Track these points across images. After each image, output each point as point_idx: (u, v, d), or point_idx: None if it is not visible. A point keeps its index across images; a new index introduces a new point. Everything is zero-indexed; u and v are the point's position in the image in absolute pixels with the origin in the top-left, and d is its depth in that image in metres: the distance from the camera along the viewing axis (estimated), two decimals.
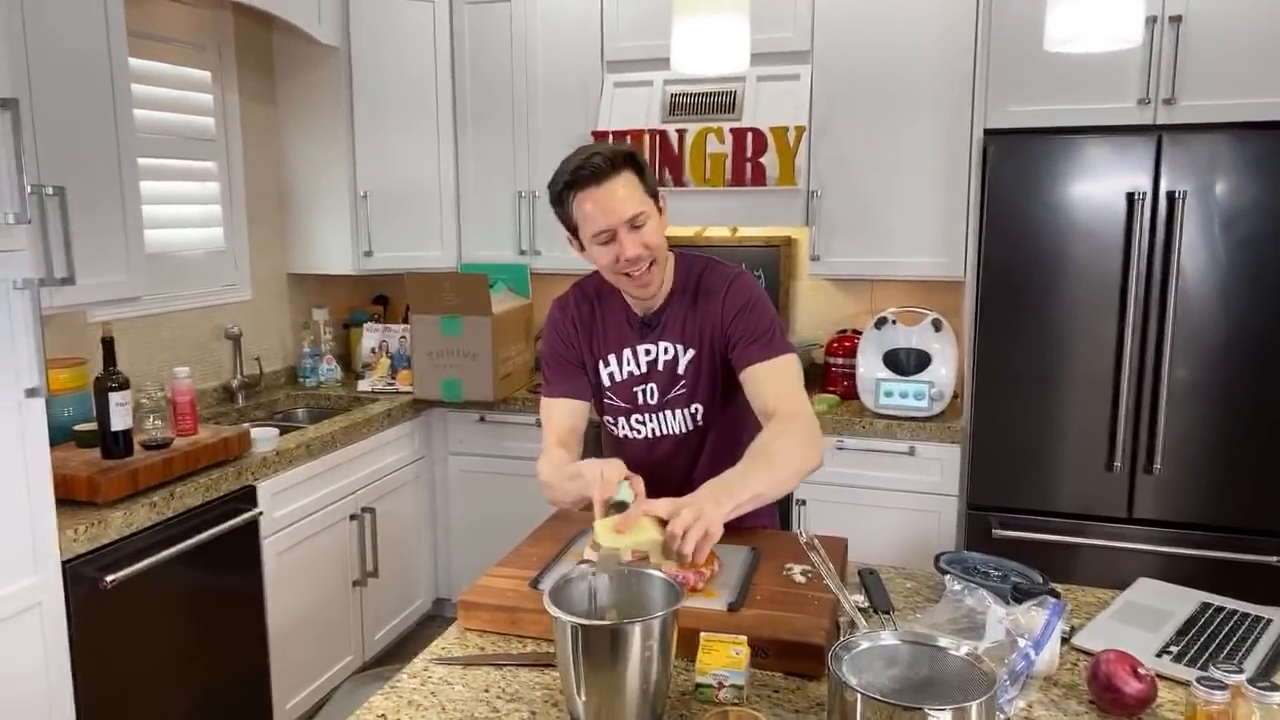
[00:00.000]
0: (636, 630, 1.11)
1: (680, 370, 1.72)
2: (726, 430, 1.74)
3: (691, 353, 1.71)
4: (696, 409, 1.74)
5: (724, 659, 1.23)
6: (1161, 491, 2.62)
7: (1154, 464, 2.60)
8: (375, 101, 3.38)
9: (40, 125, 2.13)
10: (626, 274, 1.61)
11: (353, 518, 2.99)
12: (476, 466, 3.41)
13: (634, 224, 1.57)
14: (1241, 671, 1.15)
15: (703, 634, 1.27)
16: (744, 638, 1.26)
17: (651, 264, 1.61)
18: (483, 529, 3.43)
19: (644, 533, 1.26)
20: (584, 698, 1.13)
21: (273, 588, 2.62)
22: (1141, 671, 1.21)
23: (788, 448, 1.50)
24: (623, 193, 1.56)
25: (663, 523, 1.28)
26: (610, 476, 1.36)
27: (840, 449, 2.94)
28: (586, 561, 1.30)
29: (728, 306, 1.67)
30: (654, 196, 1.62)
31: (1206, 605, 1.53)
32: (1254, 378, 2.51)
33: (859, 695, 1.03)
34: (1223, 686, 1.13)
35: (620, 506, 1.34)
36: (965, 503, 2.81)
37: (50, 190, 2.11)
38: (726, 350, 1.68)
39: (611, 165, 1.55)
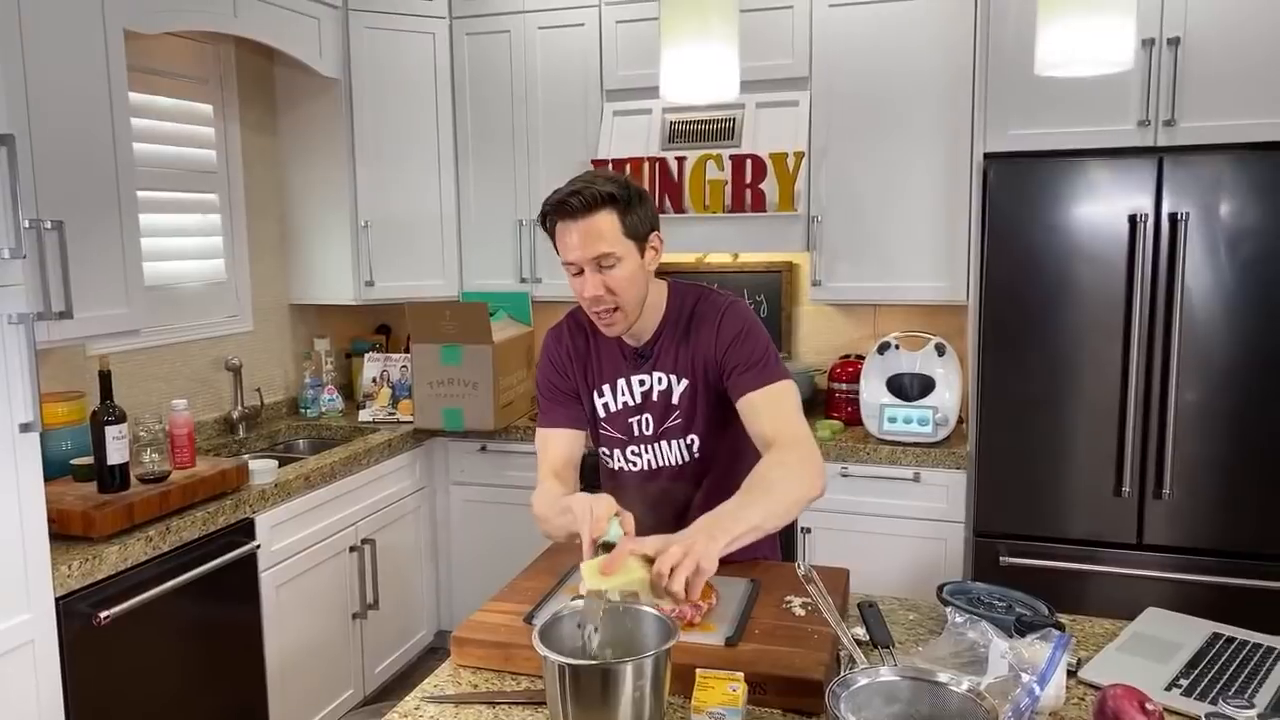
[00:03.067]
0: (628, 670, 1.09)
1: (674, 400, 1.70)
2: (724, 461, 1.72)
3: (685, 383, 1.69)
4: (692, 439, 1.72)
5: (720, 696, 1.20)
6: (1171, 516, 2.57)
7: (1163, 488, 2.56)
8: (376, 132, 3.40)
9: (40, 160, 2.14)
10: (593, 310, 1.61)
11: (353, 549, 2.96)
12: (478, 496, 3.39)
13: (601, 264, 1.56)
14: (1252, 707, 1.12)
15: (699, 670, 1.24)
16: (741, 674, 1.23)
17: (615, 309, 1.60)
18: (485, 560, 3.40)
19: (631, 572, 1.23)
20: None
21: (271, 621, 2.59)
22: (1150, 707, 1.17)
23: (786, 478, 1.47)
24: (596, 231, 1.54)
25: (650, 560, 1.25)
26: (600, 514, 1.33)
27: (844, 476, 2.90)
28: (579, 598, 1.27)
29: (721, 336, 1.65)
30: (639, 238, 1.59)
31: (1217, 636, 1.50)
32: (1262, 399, 2.47)
33: None
34: None
35: (609, 547, 1.31)
36: (972, 530, 2.77)
37: (49, 224, 2.11)
38: (721, 380, 1.66)
39: (587, 206, 1.53)
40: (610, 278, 1.56)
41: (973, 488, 2.77)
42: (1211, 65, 2.51)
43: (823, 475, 1.53)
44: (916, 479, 2.85)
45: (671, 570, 1.21)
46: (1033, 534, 2.68)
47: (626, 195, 1.56)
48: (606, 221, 1.55)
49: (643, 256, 1.61)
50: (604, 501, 1.36)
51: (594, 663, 1.13)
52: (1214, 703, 1.27)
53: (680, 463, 1.74)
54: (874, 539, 2.90)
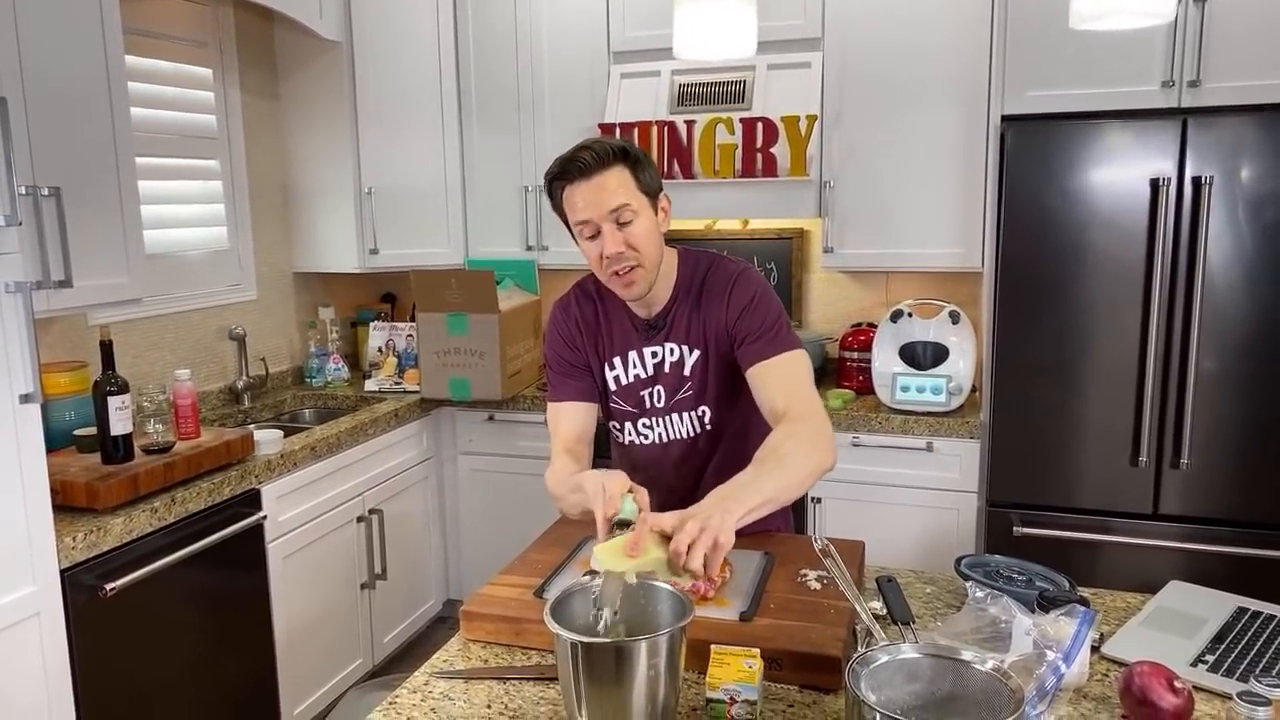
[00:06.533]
0: (642, 648, 1.06)
1: (686, 371, 1.66)
2: (735, 432, 1.68)
3: (697, 353, 1.65)
4: (704, 411, 1.67)
5: (736, 673, 1.17)
6: (1189, 487, 2.54)
7: (1180, 458, 2.52)
8: (379, 96, 3.33)
9: (35, 125, 2.09)
10: (613, 271, 1.55)
11: (360, 520, 2.94)
12: (486, 466, 3.37)
13: (619, 219, 1.51)
14: None
15: (714, 646, 1.21)
16: (756, 650, 1.21)
17: (635, 266, 1.54)
18: (494, 529, 3.38)
19: (647, 552, 1.19)
20: (585, 718, 1.07)
21: (279, 592, 2.58)
22: (1178, 684, 1.14)
23: (798, 450, 1.43)
24: (610, 185, 1.50)
25: (666, 538, 1.21)
26: (613, 491, 1.29)
27: (856, 445, 2.87)
28: (590, 573, 1.24)
29: (732, 304, 1.60)
30: (651, 195, 1.56)
31: (1243, 610, 1.46)
32: None
33: (878, 714, 0.97)
34: (1266, 702, 1.07)
35: (625, 524, 1.27)
36: (985, 500, 2.74)
37: (46, 191, 2.07)
38: (732, 349, 1.62)
39: (600, 160, 1.49)
40: (629, 234, 1.52)
41: (986, 457, 2.73)
42: (1238, 24, 2.42)
43: (834, 447, 1.50)
44: (929, 449, 2.81)
45: (689, 547, 1.18)
46: (1047, 504, 2.65)
47: (635, 152, 1.53)
48: (620, 175, 1.51)
49: (655, 215, 1.56)
50: (616, 478, 1.32)
51: (607, 640, 1.10)
52: (1242, 678, 1.24)
53: (691, 435, 1.70)
54: (885, 509, 2.88)
